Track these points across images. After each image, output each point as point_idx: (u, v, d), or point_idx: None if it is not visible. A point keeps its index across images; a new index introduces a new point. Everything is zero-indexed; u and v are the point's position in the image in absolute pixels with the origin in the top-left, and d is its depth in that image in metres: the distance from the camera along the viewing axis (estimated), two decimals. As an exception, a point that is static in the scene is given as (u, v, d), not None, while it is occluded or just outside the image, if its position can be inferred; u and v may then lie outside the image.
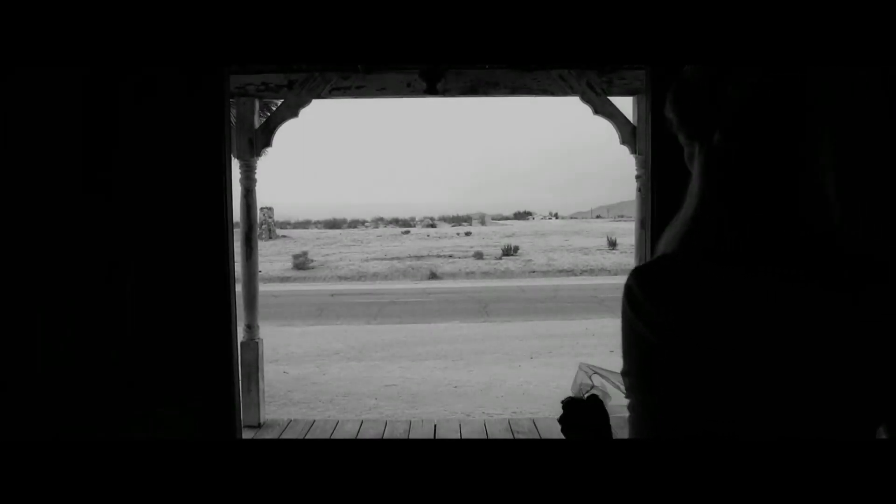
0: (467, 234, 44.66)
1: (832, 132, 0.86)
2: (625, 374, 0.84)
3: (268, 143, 4.94)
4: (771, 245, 0.81)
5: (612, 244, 29.11)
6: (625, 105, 4.90)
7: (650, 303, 0.80)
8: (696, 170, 0.89)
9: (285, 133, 5.31)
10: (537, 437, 4.64)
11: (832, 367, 0.78)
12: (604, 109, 4.76)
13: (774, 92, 0.84)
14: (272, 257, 28.86)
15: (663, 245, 0.87)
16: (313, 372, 8.25)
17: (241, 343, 4.90)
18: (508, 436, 4.74)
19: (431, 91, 4.70)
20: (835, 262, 0.81)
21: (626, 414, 0.88)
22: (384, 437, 4.75)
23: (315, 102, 4.93)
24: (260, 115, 5.12)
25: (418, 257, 29.90)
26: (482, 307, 15.22)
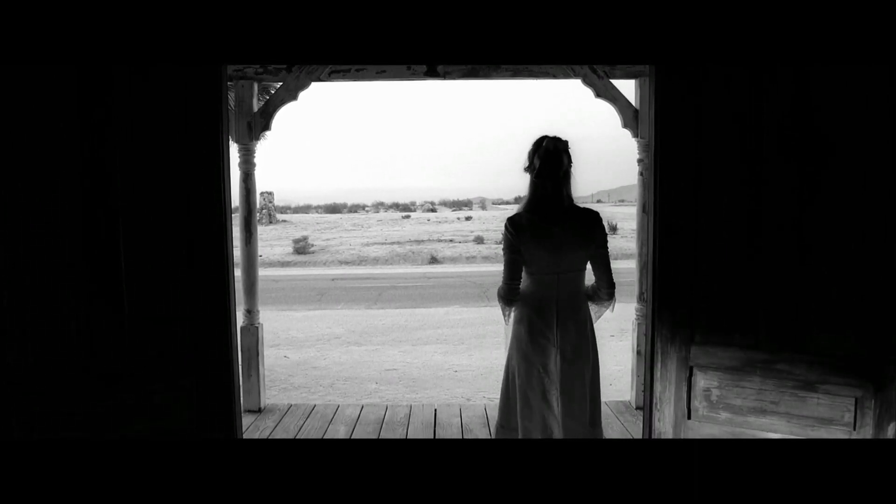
0: (468, 218, 44.59)
1: (559, 169, 2.68)
2: (503, 250, 2.76)
3: (267, 127, 4.89)
4: (551, 210, 2.72)
5: (613, 229, 29.01)
6: (627, 88, 4.85)
7: (511, 225, 2.73)
8: (529, 184, 2.74)
9: (285, 117, 5.27)
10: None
11: (566, 248, 2.71)
12: (606, 93, 4.71)
13: (550, 161, 2.69)
14: (272, 242, 28.85)
15: (518, 209, 2.78)
16: (314, 356, 8.26)
17: (241, 328, 4.89)
18: (509, 420, 4.74)
19: (432, 73, 4.65)
20: (569, 214, 2.74)
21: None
22: (385, 422, 4.76)
23: (314, 85, 4.87)
24: (259, 99, 5.06)
25: (419, 242, 29.88)
26: (483, 291, 15.22)
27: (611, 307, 2.89)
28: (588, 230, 2.74)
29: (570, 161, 2.72)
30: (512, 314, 2.85)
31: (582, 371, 2.77)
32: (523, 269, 2.77)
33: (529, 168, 2.73)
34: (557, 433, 2.76)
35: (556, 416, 2.76)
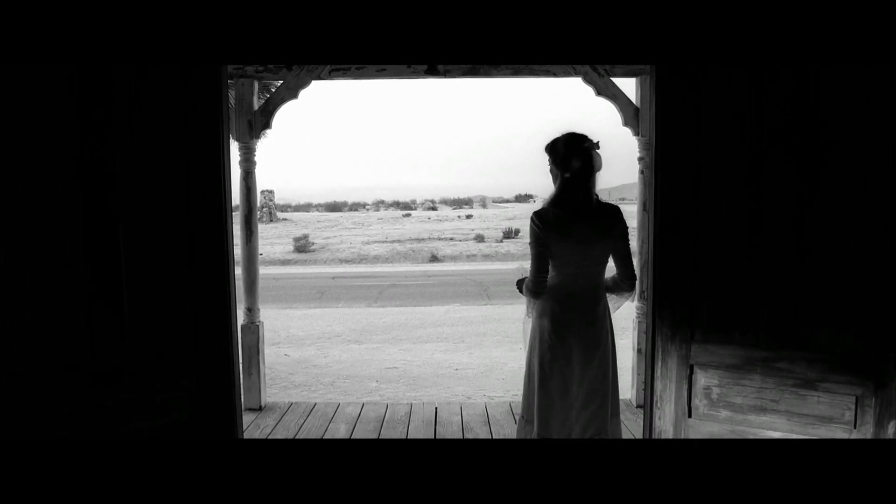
0: (468, 216, 44.65)
1: (595, 171, 2.82)
2: (531, 244, 2.87)
3: (267, 125, 4.89)
4: (578, 206, 2.81)
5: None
6: (627, 86, 4.86)
7: (539, 220, 2.81)
8: (557, 181, 2.85)
9: (285, 115, 5.24)
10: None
11: (591, 242, 2.82)
12: (606, 91, 4.71)
13: (588, 162, 2.79)
14: (273, 240, 28.88)
15: (543, 204, 2.89)
16: (314, 355, 8.27)
17: (242, 326, 4.89)
18: (510, 418, 4.76)
19: (432, 71, 4.64)
20: (594, 210, 2.84)
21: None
22: (385, 420, 4.77)
23: (315, 83, 4.87)
24: (259, 97, 5.05)
25: (419, 240, 29.89)
26: (483, 290, 15.23)
27: (631, 297, 3.06)
28: (610, 225, 2.85)
29: (600, 161, 2.84)
30: (534, 308, 2.95)
31: (602, 363, 2.87)
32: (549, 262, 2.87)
33: (561, 166, 2.81)
34: (577, 425, 2.85)
35: (575, 408, 2.85)
